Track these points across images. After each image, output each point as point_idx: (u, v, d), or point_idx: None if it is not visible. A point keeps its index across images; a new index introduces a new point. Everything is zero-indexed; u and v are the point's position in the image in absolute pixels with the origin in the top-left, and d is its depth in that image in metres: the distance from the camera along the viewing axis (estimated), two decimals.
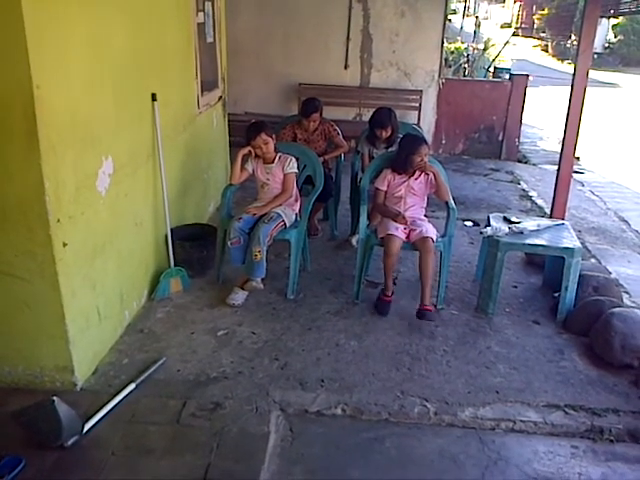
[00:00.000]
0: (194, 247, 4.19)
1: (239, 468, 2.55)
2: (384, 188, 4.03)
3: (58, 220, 2.67)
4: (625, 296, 4.28)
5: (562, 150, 4.77)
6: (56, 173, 2.64)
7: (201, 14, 4.99)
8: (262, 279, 3.91)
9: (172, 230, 4.07)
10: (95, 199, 3.07)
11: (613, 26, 25.78)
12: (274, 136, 4.07)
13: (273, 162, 4.05)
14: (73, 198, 2.82)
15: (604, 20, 20.90)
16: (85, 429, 2.70)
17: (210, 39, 5.35)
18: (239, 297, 3.90)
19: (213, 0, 5.35)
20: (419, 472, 2.65)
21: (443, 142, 8.45)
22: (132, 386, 3.02)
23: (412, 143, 3.94)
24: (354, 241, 4.75)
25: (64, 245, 2.74)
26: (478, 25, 13.06)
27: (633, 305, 4.16)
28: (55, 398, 2.56)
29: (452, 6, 21.97)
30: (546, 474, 2.67)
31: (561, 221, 4.33)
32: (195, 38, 4.76)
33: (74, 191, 2.82)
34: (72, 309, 2.88)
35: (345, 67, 8.05)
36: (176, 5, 4.32)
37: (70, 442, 2.61)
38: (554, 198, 4.86)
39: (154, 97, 3.72)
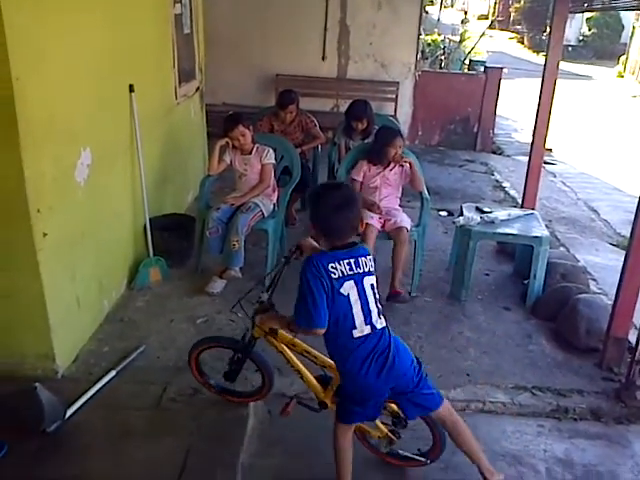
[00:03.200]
0: (173, 237, 4.23)
1: (219, 450, 2.64)
2: (360, 179, 4.12)
3: (38, 210, 2.71)
4: (592, 283, 4.45)
5: (533, 141, 4.91)
6: (36, 164, 2.68)
7: (178, 5, 5.00)
8: (240, 268, 3.98)
9: (151, 220, 4.11)
10: (74, 190, 3.10)
11: (587, 19, 26.18)
12: (251, 127, 4.13)
13: (251, 153, 4.11)
14: (52, 189, 2.85)
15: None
16: (67, 415, 2.75)
17: (187, 30, 5.36)
18: (218, 286, 3.96)
19: None
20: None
21: (419, 133, 8.57)
22: (112, 373, 3.08)
23: (387, 135, 4.03)
24: None
25: (44, 235, 2.78)
26: (466, 22, 13.10)
27: (599, 291, 4.32)
28: (37, 384, 2.61)
29: None
30: (513, 452, 2.80)
31: (531, 211, 4.47)
32: (172, 29, 4.78)
33: (53, 182, 2.86)
34: (52, 298, 2.92)
35: (322, 58, 8.11)
36: None
37: (53, 428, 2.67)
38: (525, 188, 5.01)
39: (131, 88, 3.75)
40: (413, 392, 2.26)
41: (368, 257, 2.18)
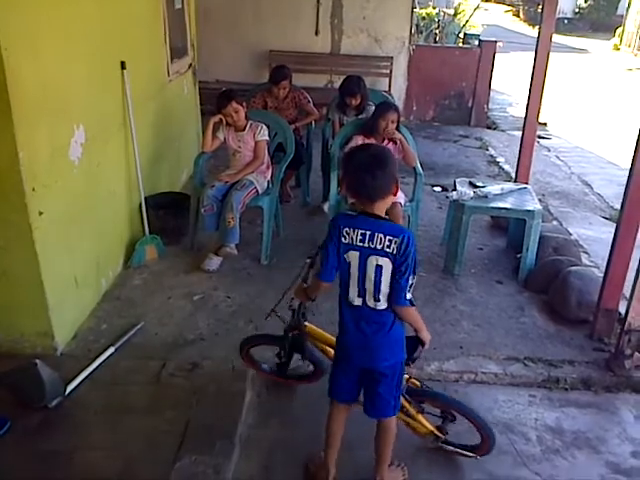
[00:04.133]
0: (168, 215, 4.25)
1: (217, 422, 2.69)
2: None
3: (33, 189, 2.73)
4: (584, 256, 4.50)
5: (526, 115, 4.91)
6: (30, 142, 2.69)
7: None
8: (236, 245, 4.01)
9: (146, 198, 4.12)
10: (69, 168, 3.11)
11: None
12: (245, 104, 4.13)
13: (244, 130, 4.11)
14: (47, 167, 2.87)
15: None
16: (67, 391, 2.80)
17: (178, 5, 5.31)
18: (214, 263, 4.00)
19: None
20: None
21: (414, 109, 8.54)
22: (111, 349, 3.12)
23: (381, 108, 4.06)
24: (326, 207, 4.86)
25: (40, 214, 2.80)
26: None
27: (591, 264, 4.38)
28: (37, 361, 2.66)
29: None
30: (505, 420, 2.87)
31: (524, 185, 4.49)
32: (163, 4, 4.73)
33: (48, 160, 2.87)
34: (50, 276, 2.95)
35: (316, 33, 8.03)
36: None
37: (54, 403, 2.72)
38: (518, 163, 5.02)
39: (123, 65, 3.73)
40: (380, 374, 2.24)
41: (389, 236, 2.07)
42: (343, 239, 2.12)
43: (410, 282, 2.11)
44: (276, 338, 2.80)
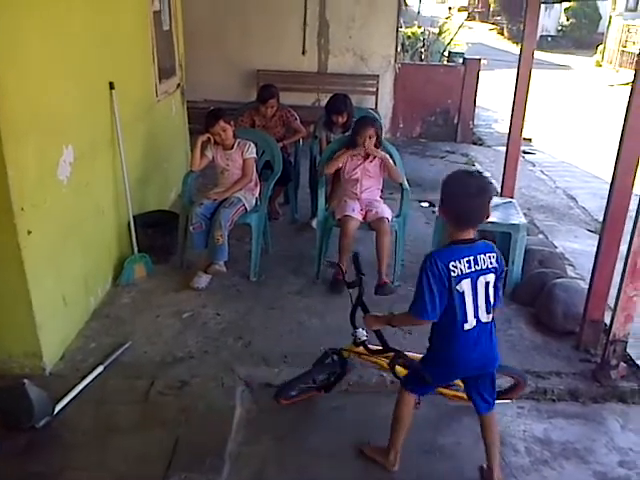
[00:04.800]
0: (156, 233, 4.27)
1: (207, 439, 2.69)
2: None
3: (22, 208, 2.74)
4: (570, 268, 4.55)
5: (510, 131, 5.00)
6: (19, 162, 2.71)
7: (157, 2, 5.01)
8: (225, 262, 4.02)
9: (135, 217, 4.14)
10: (57, 187, 3.13)
11: (565, 9, 26.38)
12: (232, 123, 4.17)
13: (232, 148, 4.15)
14: (36, 186, 2.88)
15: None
16: (56, 411, 2.79)
17: (166, 27, 5.37)
18: (203, 280, 4.01)
19: None
20: (378, 434, 2.82)
21: (401, 126, 8.63)
22: (100, 369, 3.12)
23: (358, 124, 4.12)
24: (314, 223, 4.89)
25: (29, 233, 2.81)
26: (449, 16, 13.12)
27: (577, 276, 4.43)
28: (26, 381, 2.66)
29: None
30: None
31: (509, 199, 4.56)
32: (151, 26, 4.79)
33: (37, 179, 2.89)
34: (38, 296, 2.95)
35: (303, 53, 8.13)
36: None
37: (42, 423, 2.71)
38: (503, 177, 5.10)
39: (112, 85, 3.77)
40: (488, 379, 2.45)
41: (488, 254, 2.26)
42: (452, 273, 2.20)
43: None
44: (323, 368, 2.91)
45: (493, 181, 6.69)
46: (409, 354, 2.58)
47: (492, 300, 2.30)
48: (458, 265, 2.21)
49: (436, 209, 4.24)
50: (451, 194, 2.28)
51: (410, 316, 2.32)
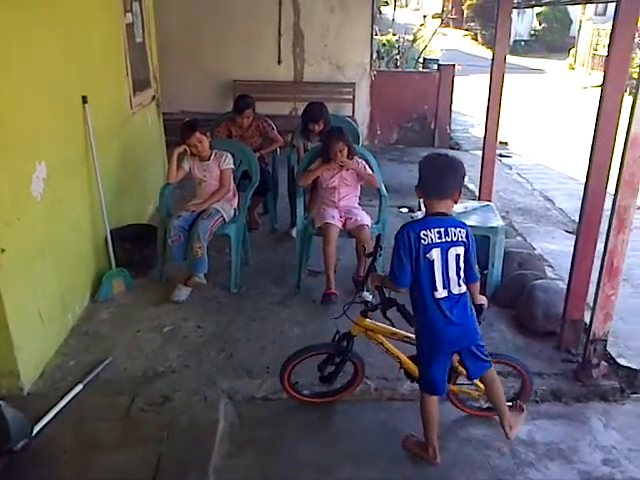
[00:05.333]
0: (134, 247, 4.22)
1: (190, 455, 2.66)
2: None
3: None
4: (549, 269, 4.59)
5: (485, 134, 5.05)
6: None
7: (129, 14, 4.99)
8: (205, 274, 3.99)
9: (112, 231, 4.09)
10: (31, 204, 3.08)
11: (537, 14, 26.82)
12: (209, 134, 4.16)
13: (209, 159, 4.13)
14: (9, 204, 2.83)
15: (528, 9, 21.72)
16: (34, 432, 2.73)
17: (139, 39, 5.35)
18: (183, 293, 3.97)
19: (141, 0, 5.34)
20: (363, 443, 2.82)
21: (378, 132, 8.68)
22: (79, 387, 3.06)
23: (326, 140, 4.10)
24: (294, 233, 4.88)
25: (2, 251, 2.76)
26: (423, 23, 13.24)
27: (556, 277, 4.46)
28: (1, 402, 2.59)
29: None
30: (479, 436, 2.88)
31: (487, 203, 4.59)
32: (124, 39, 4.76)
33: (9, 197, 2.84)
34: (14, 314, 2.90)
35: (278, 62, 8.15)
36: (103, 7, 4.32)
37: (20, 445, 2.63)
38: (480, 181, 5.14)
39: (85, 99, 3.73)
40: (476, 346, 2.54)
41: (459, 228, 2.44)
42: (422, 241, 2.38)
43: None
44: (331, 346, 2.91)
45: (471, 185, 6.79)
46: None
47: (463, 274, 2.46)
48: (429, 234, 2.38)
49: (415, 215, 4.25)
50: (422, 171, 2.50)
51: (388, 281, 2.53)
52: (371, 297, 2.81)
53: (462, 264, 2.45)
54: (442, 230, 2.40)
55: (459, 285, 2.45)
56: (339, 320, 2.83)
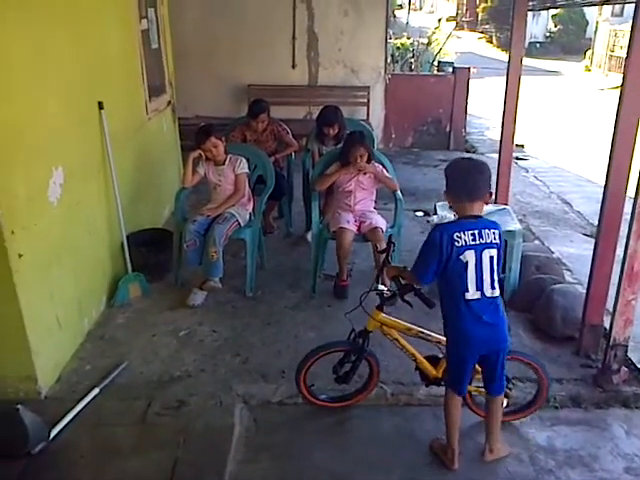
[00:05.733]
0: (150, 252, 4.24)
1: (206, 460, 2.65)
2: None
3: (12, 232, 2.71)
4: (567, 273, 4.53)
5: (501, 137, 5.00)
6: (7, 185, 2.69)
7: (144, 21, 5.03)
8: (220, 279, 3.99)
9: (128, 236, 4.11)
10: (48, 209, 3.10)
11: (552, 16, 26.63)
12: (224, 138, 4.17)
13: (224, 164, 4.13)
14: (26, 209, 2.86)
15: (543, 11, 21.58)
16: (52, 435, 2.74)
17: (155, 45, 5.39)
18: (198, 297, 3.97)
19: (156, 6, 5.38)
20: (379, 449, 2.79)
21: (393, 136, 8.65)
22: (96, 391, 3.07)
23: (347, 144, 4.09)
24: (309, 237, 4.87)
25: (20, 256, 2.78)
26: (438, 27, 13.24)
27: (574, 281, 4.41)
28: (20, 406, 2.61)
29: (398, 1, 22.30)
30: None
31: (503, 206, 4.55)
32: (139, 45, 4.80)
33: (26, 202, 2.86)
34: (32, 319, 2.92)
35: (293, 66, 8.16)
36: (118, 13, 4.36)
37: (37, 449, 2.66)
38: (497, 184, 5.09)
39: (101, 105, 3.76)
40: (503, 352, 2.53)
41: (492, 229, 2.43)
42: (456, 243, 2.36)
43: None
44: (347, 343, 2.92)
45: None
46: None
47: (496, 276, 2.44)
48: (462, 236, 2.36)
49: (431, 218, 4.22)
50: (449, 176, 2.50)
51: (411, 273, 2.56)
52: (386, 289, 2.81)
53: (495, 266, 2.44)
54: (476, 232, 2.39)
55: (492, 288, 2.44)
56: (354, 320, 2.82)
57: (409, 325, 2.85)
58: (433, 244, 2.39)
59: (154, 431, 2.84)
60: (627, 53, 2.96)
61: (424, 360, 2.87)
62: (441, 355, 2.83)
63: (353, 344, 2.91)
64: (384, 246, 3.89)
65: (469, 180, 2.43)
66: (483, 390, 2.80)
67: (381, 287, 2.82)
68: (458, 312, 2.44)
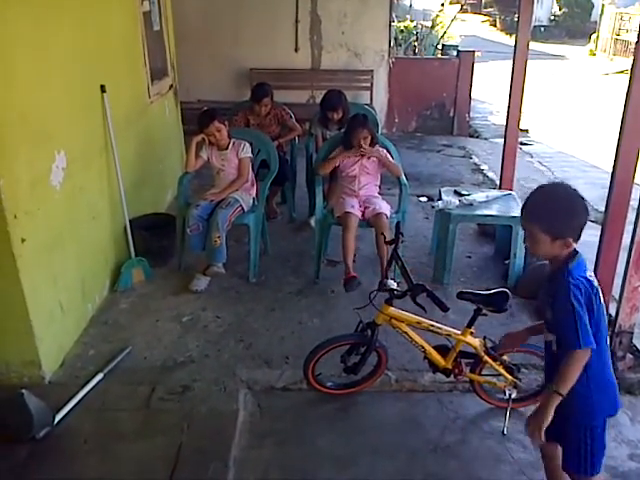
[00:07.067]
0: (153, 237, 4.22)
1: (210, 445, 2.66)
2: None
3: (15, 216, 2.69)
4: None
5: (507, 122, 4.95)
6: (10, 169, 2.66)
7: (146, 2, 4.96)
8: (223, 264, 3.98)
9: (131, 221, 4.09)
10: (50, 194, 3.08)
11: None
12: (227, 122, 4.12)
13: (227, 148, 4.10)
14: (28, 194, 2.83)
15: None
16: (56, 420, 2.75)
17: (157, 27, 5.32)
18: (202, 283, 3.96)
19: None
20: (383, 435, 2.80)
21: (396, 120, 8.58)
22: (100, 376, 3.07)
23: (350, 126, 4.06)
24: (313, 222, 4.84)
25: (22, 241, 2.76)
26: (441, 10, 13.13)
27: None
28: (24, 391, 2.61)
29: None
30: (500, 428, 2.84)
31: (508, 191, 4.52)
32: (141, 27, 4.74)
33: (29, 187, 2.84)
34: (35, 304, 2.91)
35: (295, 50, 8.08)
36: None
37: (42, 434, 2.67)
38: (502, 170, 5.06)
39: (103, 89, 3.72)
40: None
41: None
42: (594, 283, 1.96)
43: None
44: (357, 336, 2.90)
45: (491, 174, 6.71)
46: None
47: None
48: (592, 274, 1.97)
49: (435, 204, 4.20)
50: (563, 211, 1.98)
51: (578, 353, 1.91)
52: (395, 285, 2.78)
53: None
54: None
55: None
56: (359, 310, 2.81)
57: (419, 318, 2.81)
58: (581, 293, 1.89)
59: (158, 416, 2.85)
60: (638, 36, 2.91)
61: (433, 350, 2.85)
62: (453, 343, 2.82)
63: (362, 336, 2.89)
64: (388, 234, 3.88)
65: (583, 217, 1.97)
66: (497, 380, 2.81)
67: (390, 282, 2.78)
68: (605, 359, 2.02)
